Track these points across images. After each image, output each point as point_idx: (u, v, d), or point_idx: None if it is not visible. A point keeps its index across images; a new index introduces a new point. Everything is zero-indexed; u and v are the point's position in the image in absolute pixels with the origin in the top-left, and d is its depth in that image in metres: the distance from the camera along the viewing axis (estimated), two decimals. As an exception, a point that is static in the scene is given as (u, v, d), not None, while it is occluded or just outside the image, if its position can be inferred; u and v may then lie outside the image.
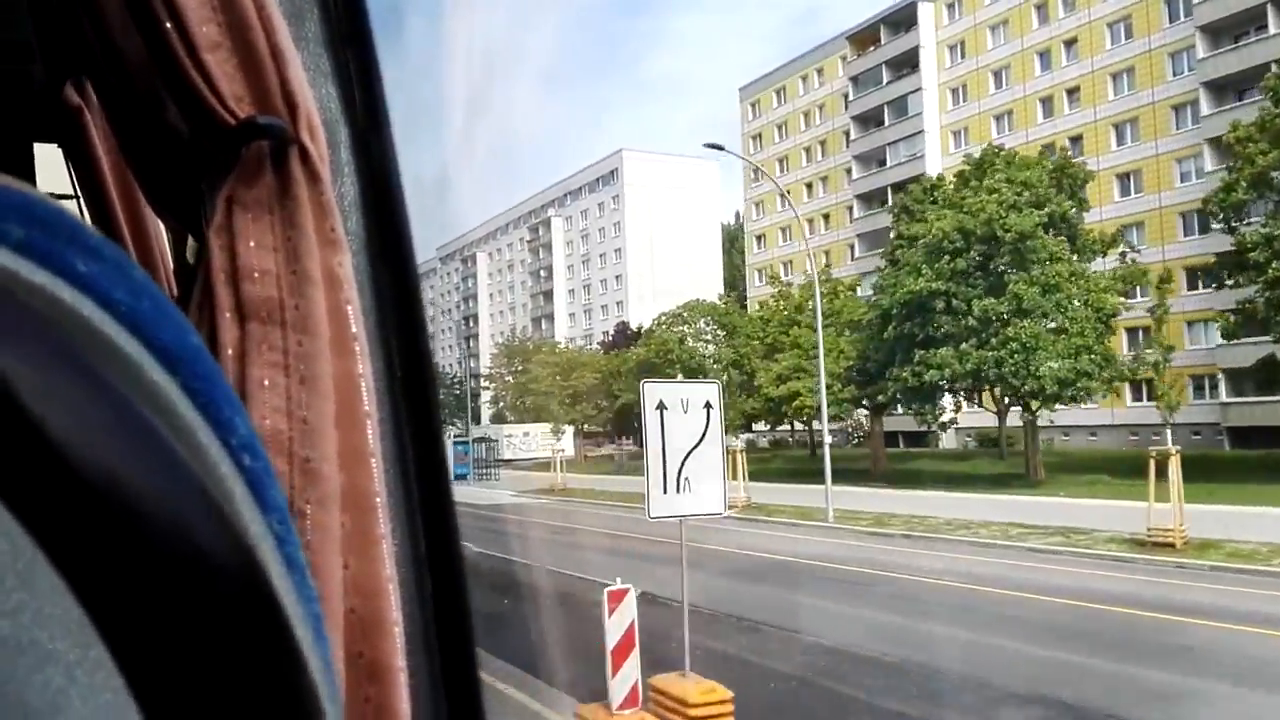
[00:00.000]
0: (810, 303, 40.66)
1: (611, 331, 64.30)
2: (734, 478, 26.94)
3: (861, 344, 34.35)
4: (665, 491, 7.37)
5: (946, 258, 29.10)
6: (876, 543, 19.14)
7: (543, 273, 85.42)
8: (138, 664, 0.25)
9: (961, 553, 16.94)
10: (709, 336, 45.49)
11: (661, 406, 7.44)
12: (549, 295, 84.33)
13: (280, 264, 0.56)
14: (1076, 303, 28.16)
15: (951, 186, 32.17)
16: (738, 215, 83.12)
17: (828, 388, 35.03)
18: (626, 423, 51.70)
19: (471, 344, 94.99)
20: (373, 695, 0.55)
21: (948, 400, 33.05)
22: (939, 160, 48.13)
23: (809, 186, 59.90)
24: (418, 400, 0.60)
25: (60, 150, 1.21)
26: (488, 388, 73.70)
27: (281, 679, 0.29)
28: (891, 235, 37.29)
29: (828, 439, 25.29)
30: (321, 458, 0.54)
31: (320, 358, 0.55)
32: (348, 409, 0.55)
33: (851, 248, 55.14)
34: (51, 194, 1.37)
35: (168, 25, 0.56)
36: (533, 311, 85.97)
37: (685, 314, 46.23)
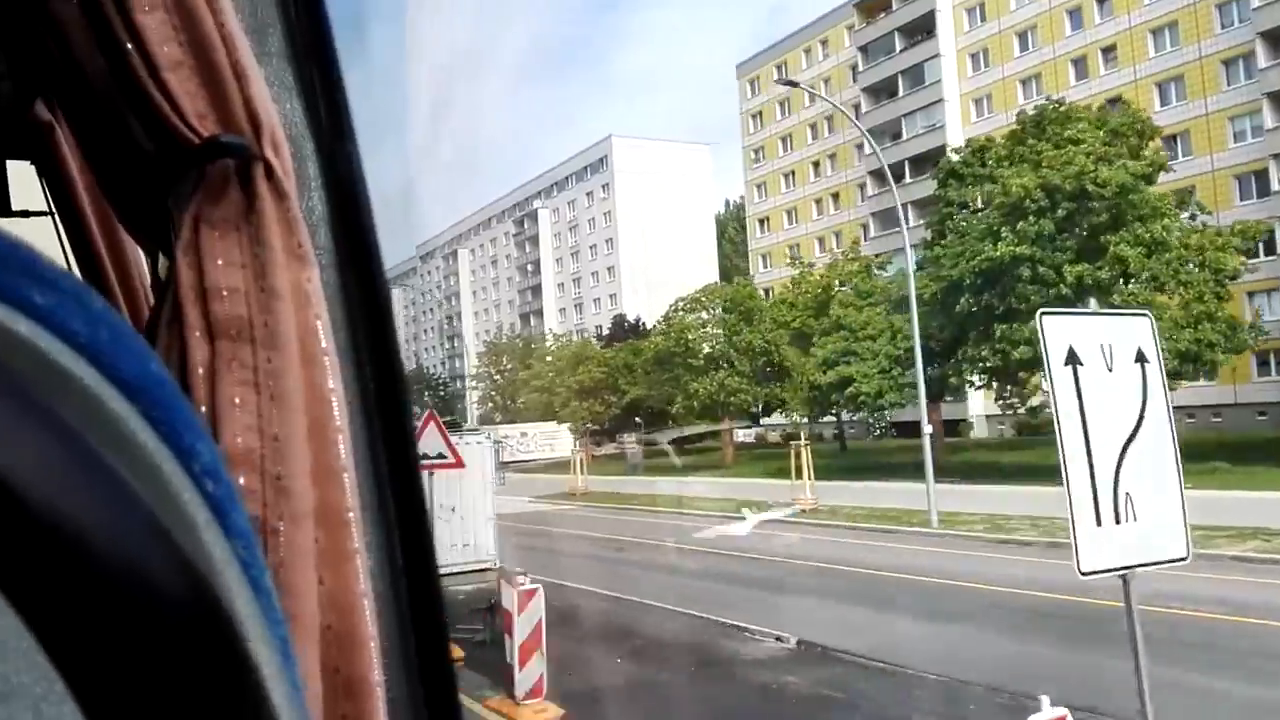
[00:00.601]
0: (841, 282, 39.81)
1: (608, 325, 64.54)
2: (797, 475, 24.94)
3: (921, 321, 33.06)
4: (1100, 522, 4.49)
5: (1030, 219, 27.24)
6: (1013, 553, 16.27)
7: (529, 267, 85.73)
8: (94, 697, 0.27)
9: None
10: (729, 322, 44.60)
11: (1073, 359, 4.61)
12: (537, 290, 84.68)
13: (248, 281, 0.61)
14: (1190, 264, 26.25)
15: (1003, 149, 30.84)
16: (728, 204, 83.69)
17: (884, 372, 32.58)
18: (631, 420, 51.76)
19: (455, 343, 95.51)
20: (349, 711, 0.60)
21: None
22: (959, 130, 48.07)
23: (815, 165, 59.76)
24: (391, 414, 0.65)
25: (33, 167, 1.28)
26: (475, 388, 74.05)
27: (241, 705, 0.31)
28: (902, 209, 36.73)
29: (927, 428, 22.21)
30: (293, 474, 0.59)
31: (290, 374, 0.60)
32: (319, 425, 0.60)
33: (865, 227, 55.13)
34: (26, 211, 1.44)
35: (129, 46, 0.61)
36: (520, 308, 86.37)
37: (704, 299, 45.69)
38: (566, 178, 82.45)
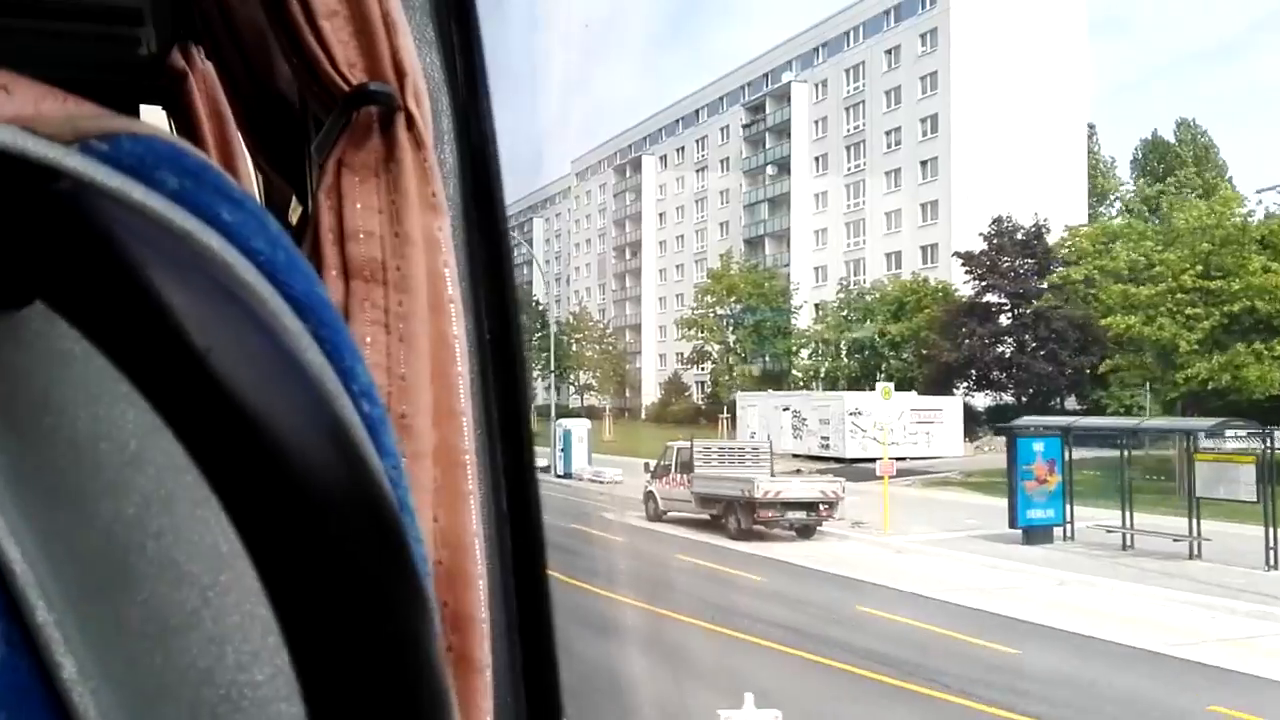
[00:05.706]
0: None
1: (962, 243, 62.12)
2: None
3: None
4: None
5: None
6: None
7: (769, 170, 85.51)
8: (279, 586, 0.42)
9: None
10: None
11: None
12: (778, 203, 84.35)
13: (384, 226, 1.00)
14: None
15: None
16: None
17: None
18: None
19: (628, 283, 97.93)
20: (455, 644, 0.99)
21: None
22: None
23: None
24: (505, 362, 1.03)
25: (164, 111, 1.85)
26: (692, 336, 75.07)
27: (409, 610, 0.48)
28: None
29: None
30: (416, 413, 0.98)
31: (418, 317, 0.98)
32: (441, 368, 0.98)
33: None
34: None
35: (289, -8, 1.01)
36: (747, 230, 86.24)
37: None
38: (845, 34, 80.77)
